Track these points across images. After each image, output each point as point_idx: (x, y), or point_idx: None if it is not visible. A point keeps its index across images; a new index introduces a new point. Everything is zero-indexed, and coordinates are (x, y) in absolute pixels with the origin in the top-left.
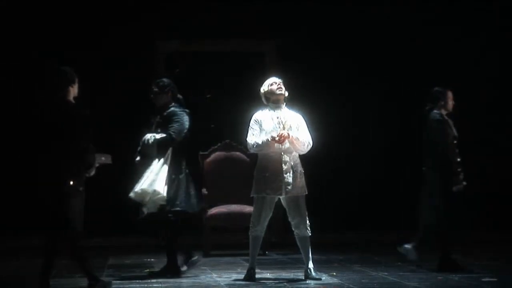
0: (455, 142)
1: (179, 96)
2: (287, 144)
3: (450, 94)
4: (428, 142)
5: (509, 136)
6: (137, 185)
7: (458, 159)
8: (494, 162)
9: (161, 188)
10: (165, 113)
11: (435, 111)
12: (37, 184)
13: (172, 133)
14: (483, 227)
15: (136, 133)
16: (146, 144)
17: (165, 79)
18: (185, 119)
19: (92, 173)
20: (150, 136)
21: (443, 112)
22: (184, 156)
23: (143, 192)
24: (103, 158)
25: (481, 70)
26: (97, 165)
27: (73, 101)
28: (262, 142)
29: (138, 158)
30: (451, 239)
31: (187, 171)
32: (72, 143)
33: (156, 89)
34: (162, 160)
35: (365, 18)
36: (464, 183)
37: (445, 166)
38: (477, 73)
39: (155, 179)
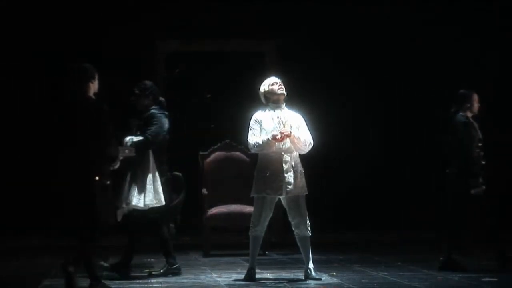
0: (479, 145)
1: (161, 98)
2: (287, 144)
3: (475, 97)
4: (453, 144)
5: (509, 136)
6: (134, 195)
7: (483, 162)
8: (494, 162)
9: (163, 198)
10: (145, 116)
11: (461, 113)
12: (61, 182)
13: (149, 135)
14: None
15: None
16: (125, 147)
17: (147, 82)
18: (164, 122)
19: (117, 166)
20: (128, 139)
21: (469, 114)
22: (164, 159)
23: (148, 207)
24: (126, 151)
25: (480, 70)
26: (121, 157)
27: (93, 97)
28: (262, 142)
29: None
30: (456, 240)
31: (168, 174)
32: (94, 138)
33: (137, 92)
34: (149, 168)
35: (365, 18)
36: (483, 187)
37: (468, 169)
38: (477, 73)
39: (153, 191)
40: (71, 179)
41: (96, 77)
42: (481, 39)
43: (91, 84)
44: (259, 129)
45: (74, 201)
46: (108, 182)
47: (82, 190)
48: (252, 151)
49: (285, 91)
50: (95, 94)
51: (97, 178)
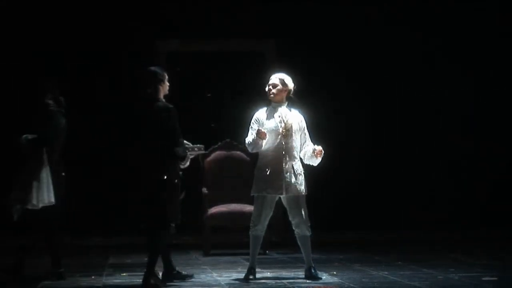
0: None
1: (60, 98)
2: (288, 144)
3: None
4: None
5: None
6: (29, 194)
7: None
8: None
9: (53, 198)
10: (41, 113)
11: None
12: (131, 180)
13: (42, 133)
14: (484, 225)
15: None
16: (20, 144)
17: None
18: (60, 121)
19: (187, 164)
20: (24, 136)
21: None
22: (59, 158)
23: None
24: (196, 149)
25: (481, 70)
26: (191, 156)
27: (163, 99)
28: (252, 140)
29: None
30: None
31: (63, 174)
32: (163, 139)
33: (39, 88)
34: (41, 167)
35: (365, 18)
36: None
37: None
38: (478, 72)
39: (46, 189)
40: (141, 180)
41: (166, 79)
42: (480, 39)
43: (160, 87)
44: (258, 128)
45: (143, 200)
46: (176, 181)
47: (151, 189)
48: (249, 150)
49: (285, 90)
50: (165, 96)
51: (165, 177)
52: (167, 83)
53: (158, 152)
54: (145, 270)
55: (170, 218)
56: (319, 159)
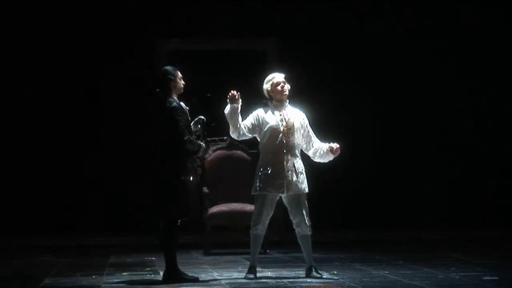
0: None
1: None
2: (290, 142)
3: None
4: None
5: None
6: None
7: None
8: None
9: None
10: None
11: None
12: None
13: None
14: (484, 225)
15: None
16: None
17: None
18: None
19: (204, 155)
20: None
21: None
22: None
23: None
24: (219, 142)
25: (484, 70)
26: (213, 148)
27: (175, 98)
28: (226, 111)
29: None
30: None
31: None
32: (171, 138)
33: None
34: None
35: (365, 17)
36: None
37: None
38: (481, 72)
39: None
40: (153, 179)
41: (178, 77)
42: (481, 39)
43: (171, 86)
44: (251, 121)
45: (157, 199)
46: (183, 178)
47: (163, 188)
48: (230, 130)
49: (289, 87)
50: (180, 94)
51: (175, 176)
52: (181, 82)
53: (167, 152)
54: (165, 267)
55: (179, 214)
56: (334, 156)
